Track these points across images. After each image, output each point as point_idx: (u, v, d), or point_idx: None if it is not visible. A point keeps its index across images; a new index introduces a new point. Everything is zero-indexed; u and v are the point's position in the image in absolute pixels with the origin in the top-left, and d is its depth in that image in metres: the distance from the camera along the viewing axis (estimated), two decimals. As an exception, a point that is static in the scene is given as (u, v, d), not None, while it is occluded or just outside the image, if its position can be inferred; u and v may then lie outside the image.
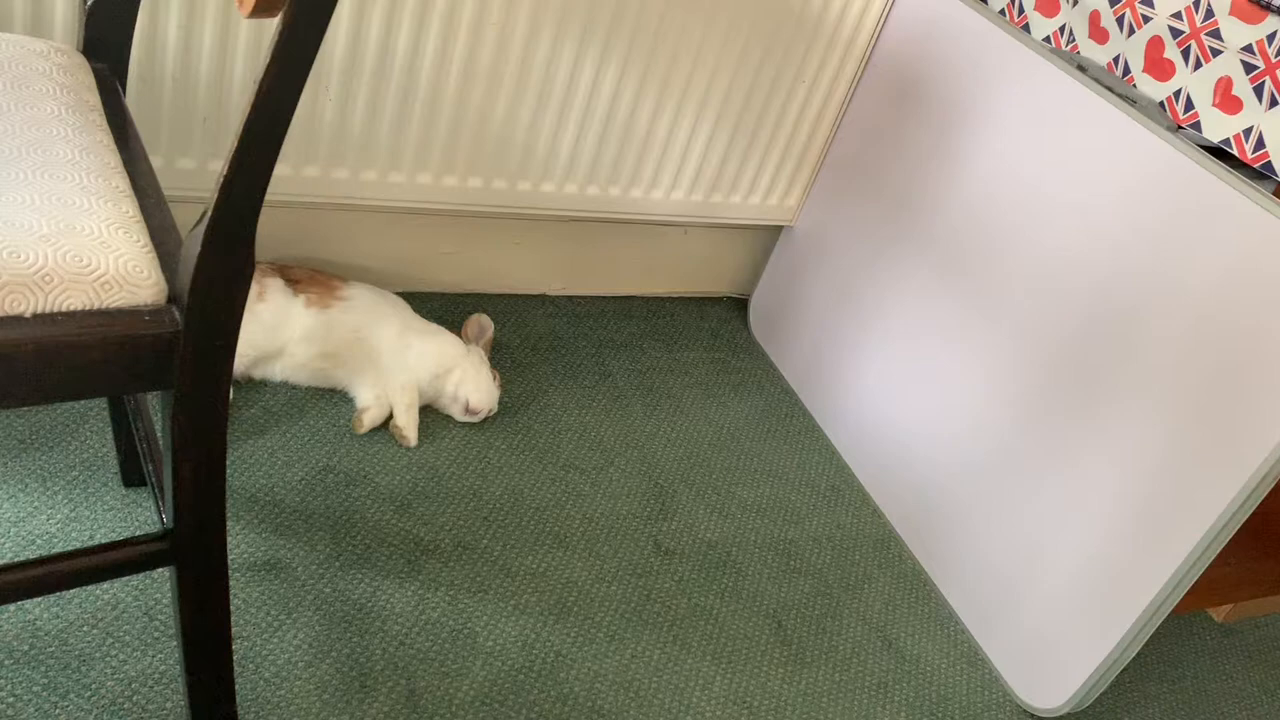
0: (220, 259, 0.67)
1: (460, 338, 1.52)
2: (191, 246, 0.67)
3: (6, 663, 1.00)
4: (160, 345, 0.68)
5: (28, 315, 0.64)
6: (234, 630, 1.10)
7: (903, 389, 1.59)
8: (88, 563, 0.76)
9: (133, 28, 0.91)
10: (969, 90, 1.49)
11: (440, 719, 1.11)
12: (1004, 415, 1.43)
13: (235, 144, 0.63)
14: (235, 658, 1.08)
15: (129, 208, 0.73)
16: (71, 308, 0.66)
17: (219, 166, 1.32)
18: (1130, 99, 1.32)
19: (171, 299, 0.70)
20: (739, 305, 1.98)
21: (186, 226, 1.42)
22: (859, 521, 1.59)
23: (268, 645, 1.11)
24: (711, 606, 1.35)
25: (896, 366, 1.60)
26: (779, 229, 1.89)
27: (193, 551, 0.79)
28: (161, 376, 0.70)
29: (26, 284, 0.64)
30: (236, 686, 1.05)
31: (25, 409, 1.24)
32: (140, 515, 1.18)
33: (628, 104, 1.54)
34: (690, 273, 1.92)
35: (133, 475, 1.22)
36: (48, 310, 0.65)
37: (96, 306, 0.67)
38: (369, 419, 1.40)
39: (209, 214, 0.65)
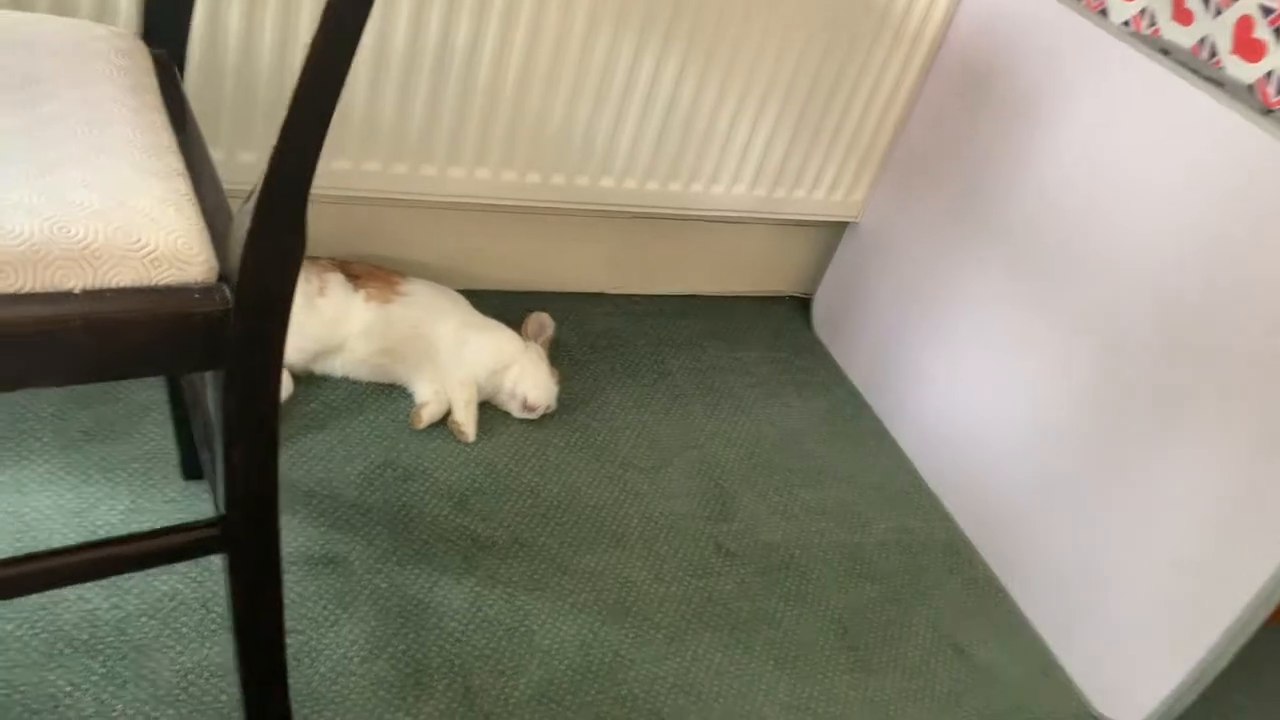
0: (271, 235, 0.65)
1: (519, 335, 1.50)
2: (241, 222, 0.66)
3: (66, 651, 1.00)
4: (210, 324, 0.67)
5: (77, 291, 0.64)
6: (289, 624, 1.09)
7: (973, 389, 1.54)
8: (139, 548, 0.75)
9: (191, 13, 0.91)
10: (1043, 79, 1.44)
11: (498, 718, 1.08)
12: (1081, 415, 1.37)
13: (286, 116, 0.61)
14: (290, 651, 1.07)
15: (182, 185, 0.72)
16: (121, 284, 0.65)
17: (247, 157, 1.32)
18: (1217, 82, 1.26)
19: (223, 278, 0.69)
20: (802, 305, 1.94)
21: (248, 222, 1.43)
22: (928, 526, 1.53)
23: (324, 640, 1.10)
24: (774, 610, 1.31)
25: (966, 365, 1.55)
26: (843, 225, 1.84)
27: (245, 539, 0.78)
28: (212, 357, 0.69)
29: (76, 259, 0.63)
30: (291, 680, 1.04)
31: (90, 402, 1.25)
32: (200, 508, 1.18)
33: (688, 97, 1.51)
34: (752, 271, 1.88)
35: (193, 468, 1.22)
36: (97, 286, 0.64)
37: (146, 284, 0.66)
38: (428, 414, 1.39)
39: (259, 188, 0.64)
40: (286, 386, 1.36)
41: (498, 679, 1.12)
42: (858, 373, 1.78)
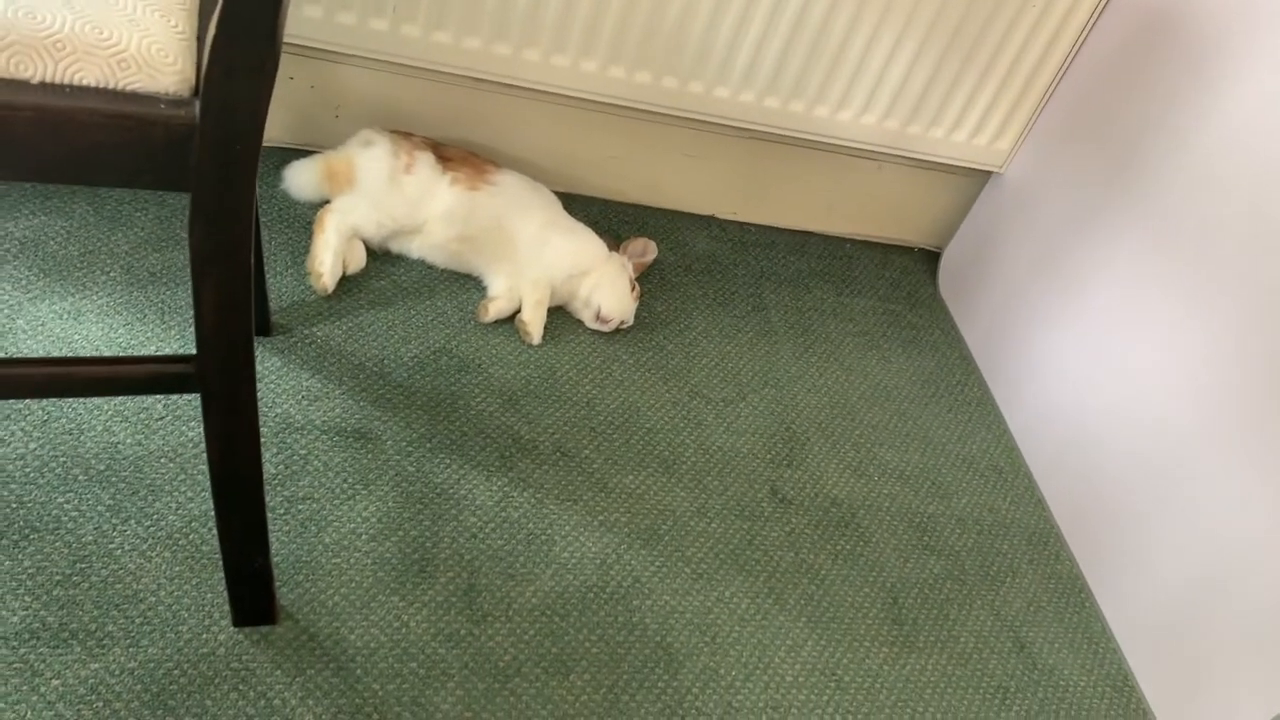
0: (238, 46, 0.60)
1: (608, 245, 1.43)
2: (210, 30, 0.60)
3: (81, 478, 1.01)
4: (174, 137, 0.63)
5: (34, 81, 0.60)
6: (305, 491, 1.08)
7: (1098, 371, 1.37)
8: (103, 372, 0.73)
9: None
10: (1231, 26, 1.25)
11: (495, 620, 1.04)
12: (1214, 416, 1.20)
13: (252, -93, 0.56)
14: (298, 518, 1.05)
15: (181, -5, 0.68)
16: (83, 81, 0.61)
17: (346, 18, 1.28)
18: None
19: (198, 94, 0.64)
20: (930, 259, 1.79)
21: (314, 83, 1.40)
22: (1017, 509, 1.39)
23: (336, 511, 1.07)
24: (820, 566, 1.22)
25: (1095, 345, 1.39)
26: (986, 175, 1.68)
27: (218, 380, 0.75)
28: (176, 175, 0.64)
29: (36, 47, 0.60)
30: (292, 546, 1.03)
31: (164, 247, 1.26)
32: (258, 367, 1.17)
33: (823, 6, 1.39)
34: (879, 214, 1.74)
35: (262, 324, 1.21)
36: (56, 80, 0.61)
37: (110, 85, 0.62)
38: (495, 309, 1.35)
39: (225, -8, 0.58)
40: (360, 260, 1.33)
41: (505, 582, 1.07)
42: (975, 336, 1.63)
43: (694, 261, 1.59)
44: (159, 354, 1.10)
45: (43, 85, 0.60)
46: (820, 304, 1.61)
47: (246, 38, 0.60)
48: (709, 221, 1.68)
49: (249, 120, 0.63)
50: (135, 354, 1.13)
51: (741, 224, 1.70)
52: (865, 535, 1.28)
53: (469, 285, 1.39)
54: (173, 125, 0.62)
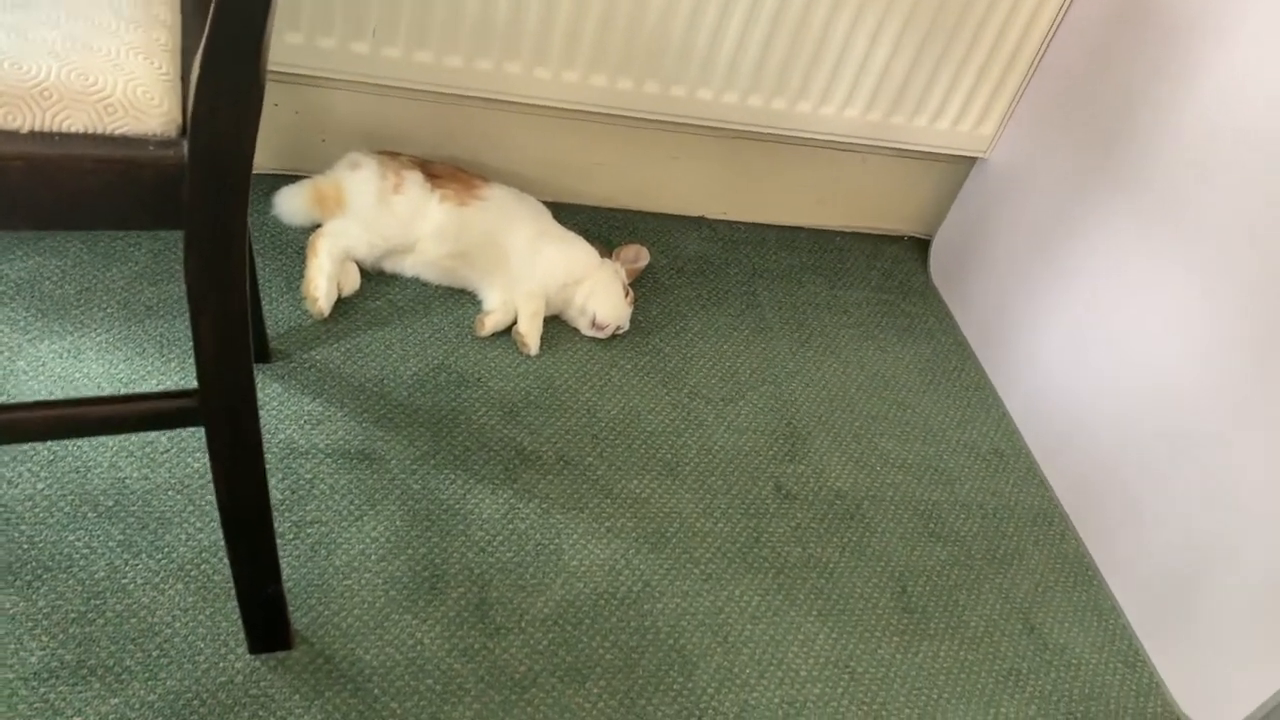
0: (223, 83, 0.61)
1: (601, 252, 1.44)
2: (194, 70, 0.61)
3: (90, 515, 1.01)
4: (165, 177, 0.64)
5: (23, 131, 0.61)
6: (313, 515, 1.08)
7: (1094, 352, 1.38)
8: (109, 411, 0.74)
9: None
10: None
11: (509, 632, 1.05)
12: (1211, 394, 1.21)
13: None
14: (308, 542, 1.06)
15: (162, 36, 0.69)
16: (71, 129, 0.62)
17: (327, 43, 1.29)
18: None
19: (185, 133, 0.65)
20: (920, 247, 1.80)
21: (299, 107, 1.41)
22: (1020, 492, 1.40)
23: (345, 533, 1.08)
24: (828, 559, 1.23)
25: (1091, 326, 1.39)
26: (971, 161, 1.69)
27: (221, 412, 0.76)
28: (169, 215, 0.65)
29: (24, 97, 0.61)
30: (303, 570, 1.03)
31: (159, 280, 1.26)
32: (260, 394, 1.18)
33: (800, 1, 1.39)
34: (867, 206, 1.75)
35: (260, 351, 1.22)
36: (45, 129, 0.61)
37: (98, 130, 0.63)
38: (491, 322, 1.35)
39: (207, 30, 0.59)
40: (354, 281, 1.34)
41: (517, 593, 1.08)
42: (970, 323, 1.64)
43: (686, 263, 1.60)
44: (161, 390, 1.11)
45: (32, 134, 0.61)
46: (814, 298, 1.62)
47: (230, 74, 0.61)
48: (699, 222, 1.69)
49: (238, 155, 0.64)
50: (137, 387, 1.14)
51: (731, 223, 1.71)
52: (871, 526, 1.29)
53: (464, 300, 1.40)
54: (163, 166, 0.63)
